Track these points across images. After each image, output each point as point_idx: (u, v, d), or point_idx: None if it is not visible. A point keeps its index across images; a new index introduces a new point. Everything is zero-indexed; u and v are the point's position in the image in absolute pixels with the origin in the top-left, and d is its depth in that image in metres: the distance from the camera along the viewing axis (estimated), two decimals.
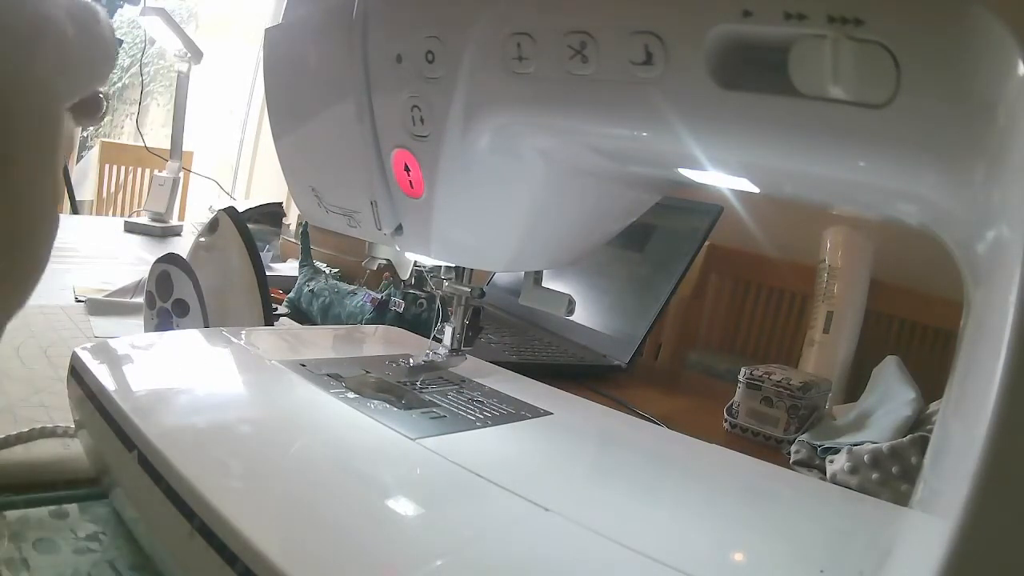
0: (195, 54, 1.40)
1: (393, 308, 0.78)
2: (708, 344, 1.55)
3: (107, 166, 2.47)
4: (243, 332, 0.54)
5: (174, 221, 1.43)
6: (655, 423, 0.65)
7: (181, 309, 0.60)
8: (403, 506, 0.32)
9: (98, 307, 0.77)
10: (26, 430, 0.42)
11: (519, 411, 0.46)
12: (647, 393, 0.83)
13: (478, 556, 0.28)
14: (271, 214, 1.37)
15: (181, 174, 1.44)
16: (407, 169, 0.41)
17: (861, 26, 0.23)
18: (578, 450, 0.44)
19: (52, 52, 0.22)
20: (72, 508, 0.38)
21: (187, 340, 0.51)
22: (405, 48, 0.38)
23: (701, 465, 0.44)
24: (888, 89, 0.23)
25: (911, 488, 0.42)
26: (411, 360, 0.51)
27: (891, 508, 0.40)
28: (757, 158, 0.31)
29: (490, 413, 0.45)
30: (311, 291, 0.86)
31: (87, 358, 0.41)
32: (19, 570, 0.32)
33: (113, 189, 2.48)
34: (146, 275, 0.64)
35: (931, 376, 0.70)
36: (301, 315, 0.87)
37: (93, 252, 1.10)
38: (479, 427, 0.42)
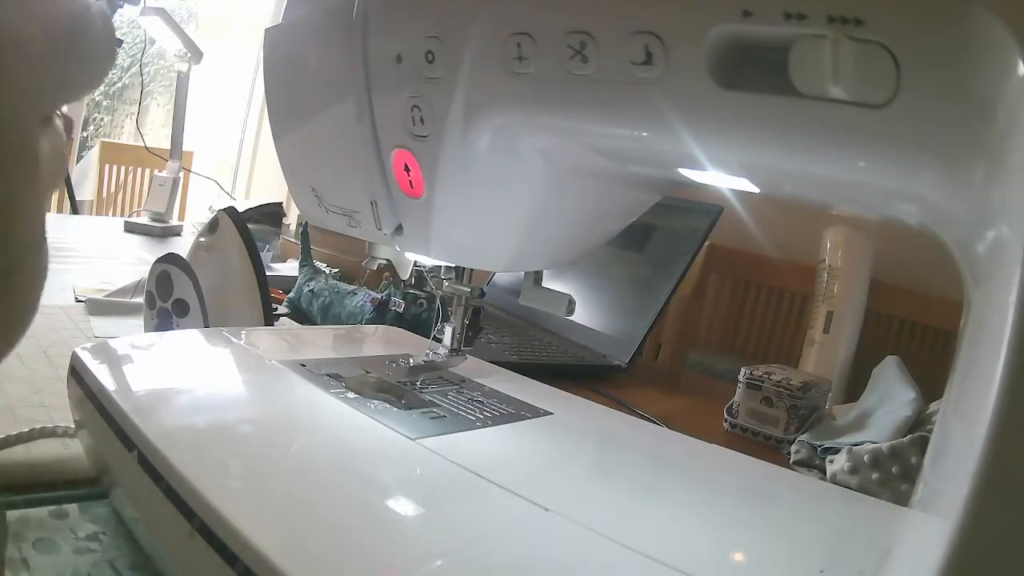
0: (195, 54, 1.40)
1: (393, 308, 0.78)
2: (708, 344, 1.55)
3: (107, 166, 2.47)
4: (243, 332, 0.54)
5: (174, 221, 1.43)
6: (655, 423, 0.65)
7: (181, 309, 0.60)
8: (403, 506, 0.32)
9: (98, 307, 0.77)
10: (26, 430, 0.42)
11: (519, 411, 0.46)
12: (647, 393, 0.83)
13: (478, 556, 0.28)
14: (271, 214, 1.37)
15: (181, 174, 1.44)
16: (407, 169, 0.41)
17: (861, 26, 0.23)
18: (578, 450, 0.44)
19: (23, 77, 0.20)
20: (72, 508, 0.38)
21: (187, 340, 0.51)
22: (405, 48, 0.38)
23: (701, 465, 0.44)
24: (888, 89, 0.23)
25: (911, 488, 0.42)
26: (411, 360, 0.51)
27: (891, 508, 0.40)
28: (757, 158, 0.31)
29: (490, 413, 0.45)
30: (311, 291, 0.86)
31: (87, 358, 0.41)
32: (19, 570, 0.32)
33: (113, 189, 2.48)
34: (146, 275, 0.64)
35: (931, 376, 0.70)
36: (301, 315, 0.87)
37: (93, 252, 1.10)
38: (479, 427, 0.42)
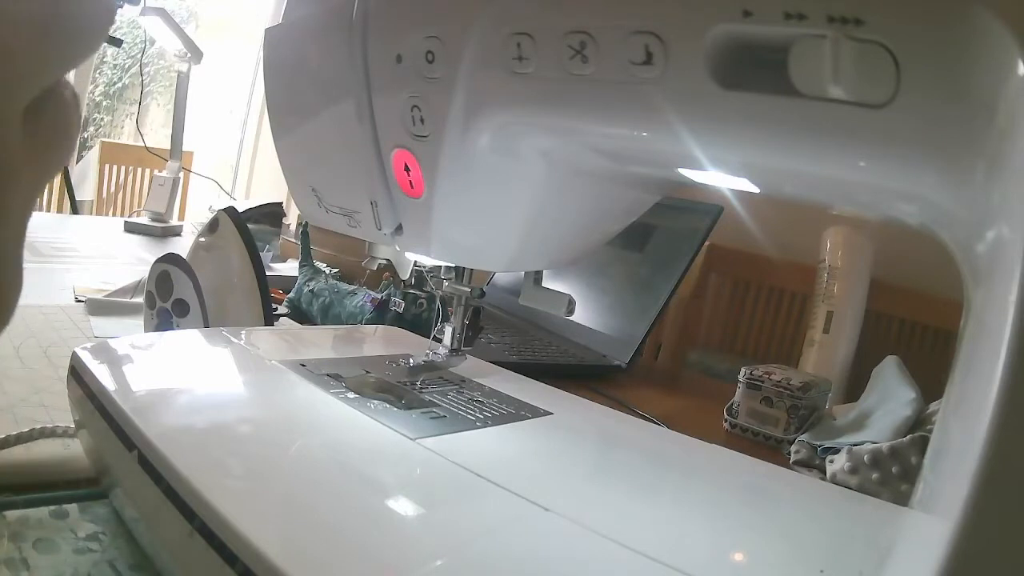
0: (195, 54, 1.40)
1: (393, 308, 0.78)
2: (708, 344, 1.55)
3: (107, 166, 2.47)
4: (243, 332, 0.54)
5: (174, 221, 1.43)
6: (655, 423, 0.65)
7: (181, 309, 0.60)
8: (403, 506, 0.32)
9: (98, 307, 0.77)
10: (26, 430, 0.42)
11: (519, 411, 0.46)
12: (647, 393, 0.83)
13: (478, 556, 0.28)
14: (271, 214, 1.37)
15: (181, 174, 1.44)
16: (407, 169, 0.41)
17: (861, 26, 0.23)
18: (578, 450, 0.44)
19: None
20: (72, 508, 0.38)
21: (187, 340, 0.51)
22: (405, 48, 0.38)
23: (701, 465, 0.44)
24: (888, 89, 0.23)
25: (911, 488, 0.42)
26: (411, 360, 0.51)
27: (891, 508, 0.40)
28: (757, 158, 0.31)
29: (490, 413, 0.45)
30: (311, 291, 0.86)
31: (87, 358, 0.41)
32: (19, 570, 0.32)
33: (113, 189, 2.49)
34: (146, 275, 0.64)
35: (931, 376, 0.70)
36: (301, 315, 0.87)
37: (93, 252, 1.10)
38: (479, 427, 0.42)
